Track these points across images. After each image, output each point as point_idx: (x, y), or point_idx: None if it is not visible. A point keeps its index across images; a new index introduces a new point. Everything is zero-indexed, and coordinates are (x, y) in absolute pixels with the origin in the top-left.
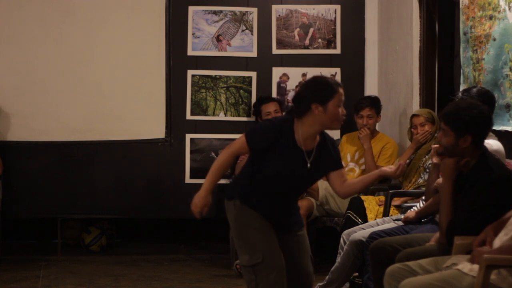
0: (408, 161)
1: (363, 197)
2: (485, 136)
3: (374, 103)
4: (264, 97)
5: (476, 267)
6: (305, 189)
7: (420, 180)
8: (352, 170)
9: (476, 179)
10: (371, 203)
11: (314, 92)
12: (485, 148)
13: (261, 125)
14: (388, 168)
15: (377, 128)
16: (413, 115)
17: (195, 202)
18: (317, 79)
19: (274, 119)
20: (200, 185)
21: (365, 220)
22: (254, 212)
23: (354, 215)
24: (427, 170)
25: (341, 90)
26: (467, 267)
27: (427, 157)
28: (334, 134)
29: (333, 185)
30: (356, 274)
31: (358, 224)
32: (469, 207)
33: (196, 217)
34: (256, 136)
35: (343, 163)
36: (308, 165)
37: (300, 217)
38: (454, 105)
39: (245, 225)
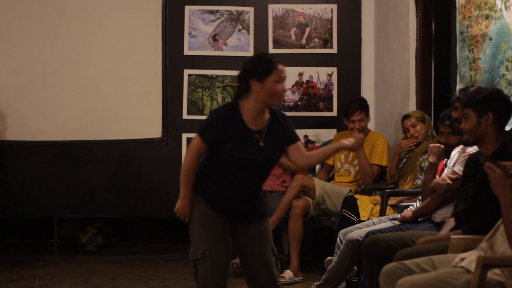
0: (404, 160)
1: (356, 196)
2: (507, 118)
3: (363, 106)
4: None
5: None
6: (266, 174)
7: (418, 181)
8: (347, 172)
9: None
10: (365, 201)
11: (253, 68)
12: (506, 139)
13: (208, 118)
14: (347, 141)
15: (373, 127)
16: (404, 118)
17: (180, 211)
18: (256, 56)
19: (220, 108)
20: None
21: (359, 218)
22: (208, 208)
23: (349, 213)
24: (425, 170)
25: (280, 67)
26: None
27: (424, 157)
28: (330, 134)
29: (292, 158)
30: (355, 268)
31: (354, 222)
32: (490, 199)
33: (185, 223)
34: (206, 130)
35: (339, 165)
36: (261, 143)
37: (264, 208)
38: (472, 90)
39: (197, 221)
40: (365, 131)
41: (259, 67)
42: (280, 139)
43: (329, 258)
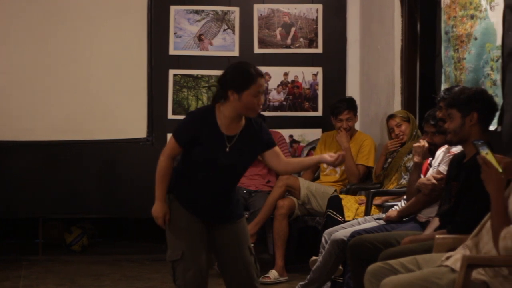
0: (389, 160)
1: (341, 196)
2: (491, 118)
3: (351, 105)
4: None
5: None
6: (237, 177)
7: (403, 181)
8: (333, 171)
9: (477, 168)
10: (349, 201)
11: (232, 79)
12: (490, 139)
13: (183, 120)
14: (329, 156)
15: (359, 127)
16: (389, 118)
17: (155, 215)
18: (238, 66)
19: (196, 110)
20: None
21: (344, 218)
22: (183, 209)
23: (334, 213)
24: (410, 170)
25: (260, 81)
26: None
27: (408, 156)
28: (316, 134)
29: (270, 164)
30: (341, 268)
31: (339, 222)
32: (474, 198)
33: (162, 228)
34: (180, 132)
35: (324, 165)
36: (227, 149)
37: (240, 208)
38: (456, 90)
39: (173, 222)
40: (352, 131)
41: (239, 79)
42: (254, 145)
43: (314, 258)
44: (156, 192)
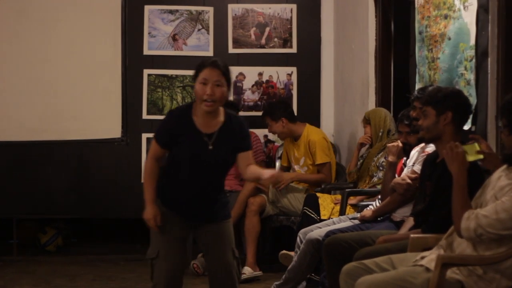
0: (361, 161)
1: (318, 194)
2: (465, 119)
3: (265, 111)
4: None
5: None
6: (220, 176)
7: (375, 179)
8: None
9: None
10: (326, 200)
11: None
12: (463, 139)
13: (163, 120)
14: (266, 175)
15: (333, 127)
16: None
17: (146, 217)
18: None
19: (174, 110)
20: None
21: (319, 216)
22: (165, 209)
23: (310, 211)
24: (381, 168)
25: (207, 70)
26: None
27: (379, 155)
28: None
29: (239, 166)
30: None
31: (315, 220)
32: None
33: (155, 230)
34: (160, 132)
35: (292, 164)
36: (210, 146)
37: (227, 209)
38: (432, 88)
39: None
40: (284, 134)
41: (195, 70)
42: (231, 144)
43: (284, 251)
44: (145, 195)
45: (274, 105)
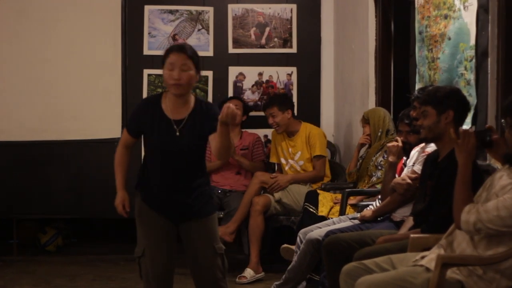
0: (360, 161)
1: (319, 191)
2: (464, 117)
3: (275, 101)
4: (230, 96)
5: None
6: (188, 164)
7: (374, 179)
8: (293, 167)
9: (452, 166)
10: (326, 198)
11: None
12: None
13: (133, 109)
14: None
15: (333, 127)
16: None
17: (115, 205)
18: None
19: (143, 99)
20: None
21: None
22: (146, 206)
23: (311, 206)
24: (379, 168)
25: (173, 54)
26: (432, 264)
27: (377, 155)
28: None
29: (211, 147)
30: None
31: (316, 216)
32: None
33: (124, 216)
34: (130, 121)
35: (282, 160)
36: (177, 133)
37: (210, 206)
38: (431, 88)
39: (137, 218)
40: (285, 127)
41: (162, 56)
42: (202, 128)
43: (285, 245)
44: (116, 181)
45: (283, 95)
